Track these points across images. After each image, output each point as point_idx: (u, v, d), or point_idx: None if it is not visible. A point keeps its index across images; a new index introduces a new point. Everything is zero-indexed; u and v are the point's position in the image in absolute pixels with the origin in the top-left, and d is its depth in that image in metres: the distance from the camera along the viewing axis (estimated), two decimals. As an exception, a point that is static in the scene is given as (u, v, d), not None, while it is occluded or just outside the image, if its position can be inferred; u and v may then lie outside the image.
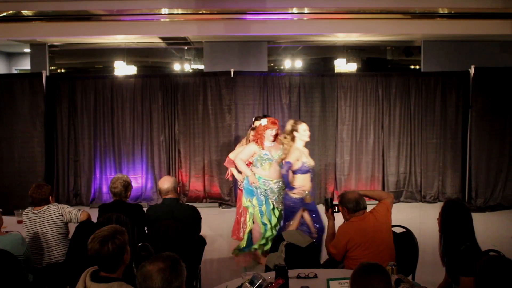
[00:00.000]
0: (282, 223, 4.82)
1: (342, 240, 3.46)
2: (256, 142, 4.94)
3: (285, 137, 4.67)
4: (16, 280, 3.11)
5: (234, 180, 6.57)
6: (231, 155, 5.49)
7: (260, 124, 5.00)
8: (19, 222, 4.20)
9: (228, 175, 6.06)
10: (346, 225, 3.55)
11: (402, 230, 3.83)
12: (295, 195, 4.57)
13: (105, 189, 7.80)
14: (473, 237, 3.08)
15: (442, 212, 3.24)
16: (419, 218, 7.15)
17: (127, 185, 4.10)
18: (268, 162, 4.89)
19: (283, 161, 4.62)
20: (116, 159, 7.91)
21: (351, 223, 3.51)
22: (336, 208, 3.72)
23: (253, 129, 5.46)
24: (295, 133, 4.62)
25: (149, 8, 6.89)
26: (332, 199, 3.89)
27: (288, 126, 4.70)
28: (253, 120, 5.94)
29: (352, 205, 3.53)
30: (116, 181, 4.09)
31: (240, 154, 5.08)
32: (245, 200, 5.09)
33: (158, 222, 3.83)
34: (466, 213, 3.14)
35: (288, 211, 4.67)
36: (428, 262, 5.06)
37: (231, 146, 7.31)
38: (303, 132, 4.62)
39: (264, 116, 5.72)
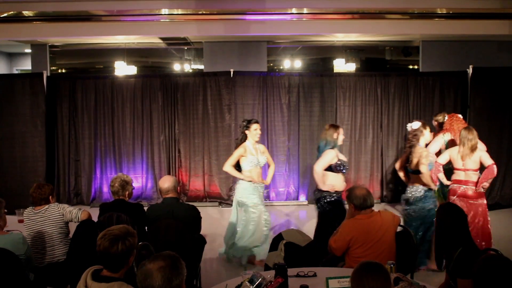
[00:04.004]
0: None
1: (345, 237, 3.39)
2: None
3: None
4: (17, 279, 3.13)
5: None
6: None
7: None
8: (20, 221, 4.23)
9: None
10: (351, 222, 3.45)
11: (400, 229, 3.85)
12: None
13: (105, 188, 7.84)
14: (469, 239, 3.07)
15: (436, 216, 3.24)
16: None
17: (125, 184, 4.12)
18: None
19: None
20: (117, 159, 7.94)
21: (356, 221, 3.42)
22: None
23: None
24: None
25: (149, 9, 6.91)
26: None
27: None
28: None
29: (359, 202, 3.41)
30: (115, 180, 4.13)
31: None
32: None
33: (158, 221, 3.86)
34: (460, 216, 3.13)
35: None
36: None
37: (231, 146, 7.34)
38: None
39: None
